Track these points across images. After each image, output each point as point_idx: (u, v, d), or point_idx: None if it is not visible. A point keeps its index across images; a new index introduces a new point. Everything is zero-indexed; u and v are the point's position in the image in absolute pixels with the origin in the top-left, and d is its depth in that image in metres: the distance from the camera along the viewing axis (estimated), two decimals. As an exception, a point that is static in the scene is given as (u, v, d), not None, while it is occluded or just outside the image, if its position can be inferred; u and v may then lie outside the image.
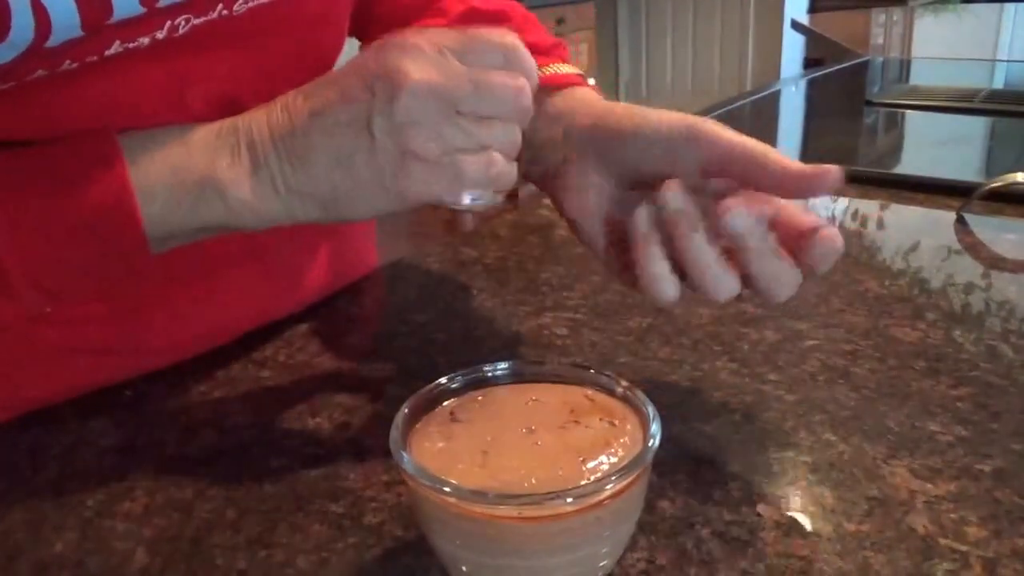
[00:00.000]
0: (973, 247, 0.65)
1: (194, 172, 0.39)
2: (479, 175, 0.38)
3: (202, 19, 0.41)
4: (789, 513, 0.36)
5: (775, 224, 0.37)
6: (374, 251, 0.68)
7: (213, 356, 0.52)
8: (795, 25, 2.78)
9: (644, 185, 0.41)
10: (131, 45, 0.39)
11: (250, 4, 0.42)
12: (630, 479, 0.29)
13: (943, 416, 0.42)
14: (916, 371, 0.46)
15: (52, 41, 0.36)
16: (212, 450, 0.43)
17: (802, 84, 1.49)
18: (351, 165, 0.37)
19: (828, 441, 0.40)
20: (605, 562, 0.31)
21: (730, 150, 0.39)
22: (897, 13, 2.23)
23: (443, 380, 0.34)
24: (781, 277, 0.37)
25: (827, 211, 0.75)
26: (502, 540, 0.29)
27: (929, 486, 0.37)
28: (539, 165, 0.48)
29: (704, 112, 1.13)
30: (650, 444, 0.30)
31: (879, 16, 2.14)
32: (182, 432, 0.44)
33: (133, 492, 0.40)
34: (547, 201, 0.80)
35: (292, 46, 0.48)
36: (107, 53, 0.38)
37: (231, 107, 0.46)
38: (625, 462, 0.29)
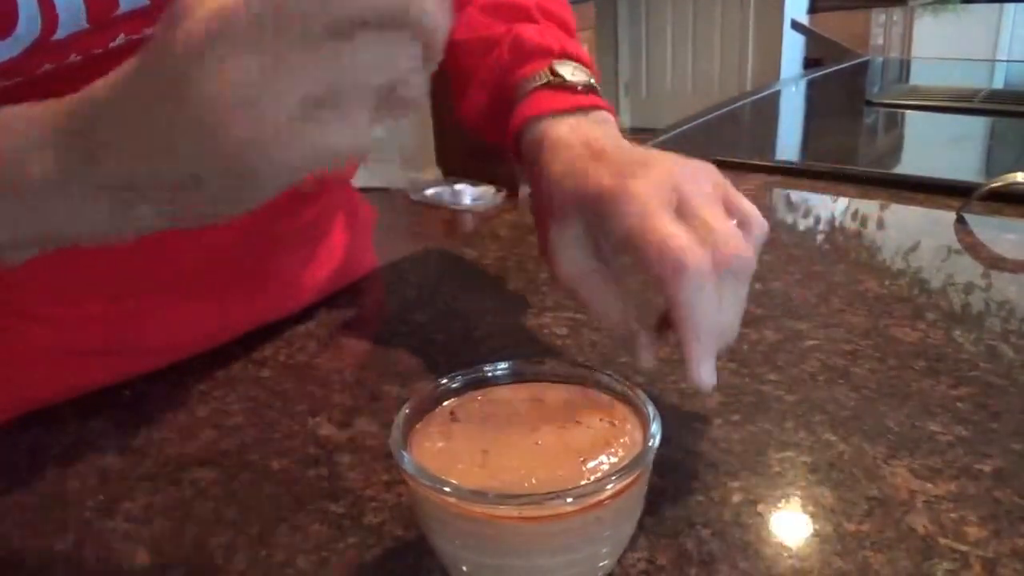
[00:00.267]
0: (973, 247, 0.65)
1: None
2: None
3: None
4: (789, 513, 0.36)
5: None
6: (372, 251, 0.68)
7: (213, 356, 0.52)
8: (795, 25, 2.78)
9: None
10: (136, 37, 0.39)
11: None
12: (630, 479, 0.29)
13: (943, 416, 0.42)
14: (916, 371, 0.46)
15: (59, 35, 0.36)
16: (212, 450, 0.43)
17: (802, 84, 1.49)
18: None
19: (828, 441, 0.40)
20: (605, 562, 0.31)
21: (623, 241, 0.37)
22: (897, 13, 2.23)
23: (443, 380, 0.34)
24: None
25: (827, 210, 0.75)
26: (502, 540, 0.29)
27: (929, 486, 0.37)
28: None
29: (704, 112, 1.13)
30: (650, 444, 0.30)
31: (879, 16, 2.14)
32: (182, 432, 0.44)
33: (133, 492, 0.40)
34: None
35: None
36: (112, 46, 0.39)
37: None
38: (625, 462, 0.29)
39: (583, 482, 0.28)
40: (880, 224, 0.72)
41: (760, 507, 0.36)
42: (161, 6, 0.38)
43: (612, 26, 4.97)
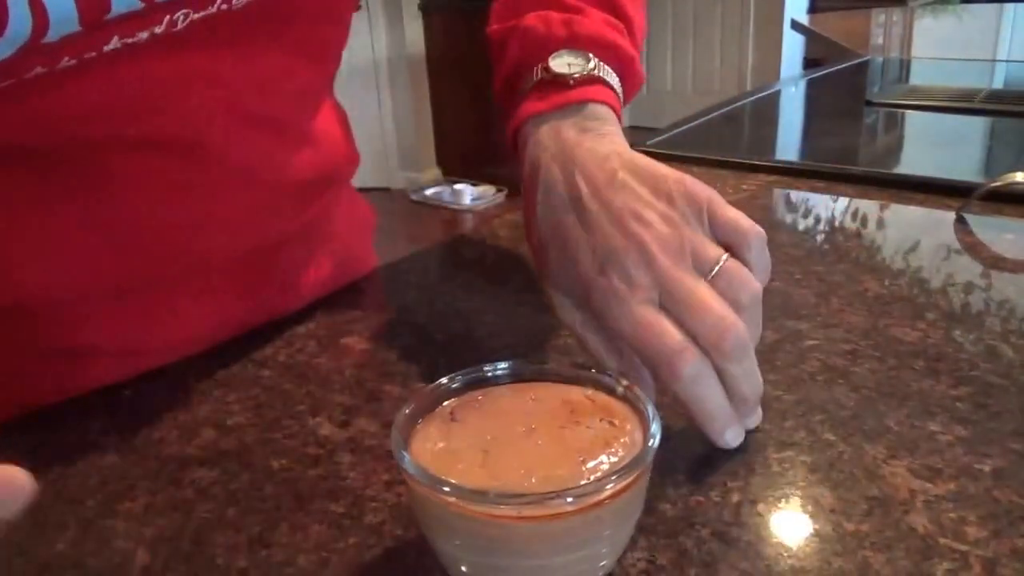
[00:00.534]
0: (973, 247, 0.65)
1: None
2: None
3: (201, 14, 0.41)
4: (789, 513, 0.36)
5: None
6: (372, 251, 0.68)
7: (213, 355, 0.52)
8: (795, 25, 2.78)
9: None
10: (130, 41, 0.39)
11: None
12: (630, 479, 0.29)
13: (943, 416, 0.42)
14: (916, 371, 0.46)
15: (50, 36, 0.35)
16: (212, 450, 0.43)
17: (802, 84, 1.49)
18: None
19: (828, 441, 0.40)
20: (605, 562, 0.31)
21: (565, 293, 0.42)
22: (897, 13, 2.23)
23: (443, 380, 0.34)
24: None
25: (827, 210, 0.75)
26: (502, 540, 0.29)
27: (929, 486, 0.37)
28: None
29: (704, 112, 1.14)
30: (650, 444, 0.30)
31: (879, 16, 2.14)
32: (182, 431, 0.44)
33: (133, 492, 0.40)
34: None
35: (293, 41, 0.48)
36: (106, 49, 0.38)
37: (233, 106, 0.46)
38: (625, 462, 0.29)
39: (583, 482, 0.28)
40: (880, 224, 0.72)
41: (760, 507, 0.36)
42: (155, 9, 0.38)
43: (612, 26, 4.95)
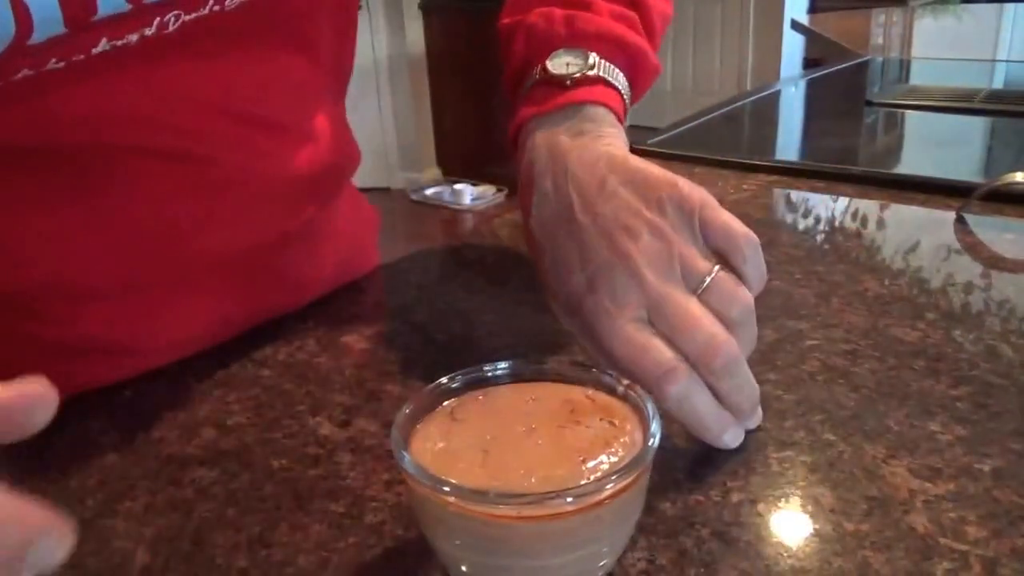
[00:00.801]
0: (973, 247, 0.65)
1: None
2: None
3: (193, 15, 0.40)
4: (789, 513, 0.36)
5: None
6: (376, 250, 0.68)
7: (213, 355, 0.52)
8: (795, 25, 2.78)
9: None
10: (119, 43, 0.38)
11: None
12: (630, 479, 0.29)
13: (943, 416, 0.42)
14: (916, 371, 0.46)
15: (35, 38, 0.35)
16: (212, 449, 0.43)
17: (802, 84, 1.49)
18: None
19: (828, 441, 0.40)
20: (605, 562, 0.31)
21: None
22: (897, 13, 2.23)
23: (443, 380, 0.34)
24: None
25: (827, 210, 0.75)
26: (502, 540, 0.29)
27: (929, 485, 0.37)
28: None
29: (704, 112, 1.13)
30: (650, 444, 0.30)
31: (879, 16, 2.14)
32: (182, 431, 0.45)
33: (133, 491, 0.40)
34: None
35: (288, 39, 0.48)
36: (95, 51, 0.38)
37: (229, 107, 0.46)
38: (625, 462, 0.29)
39: (583, 482, 0.28)
40: (880, 224, 0.72)
41: (760, 507, 0.36)
42: (144, 11, 0.38)
43: (612, 26, 4.96)
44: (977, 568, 0.32)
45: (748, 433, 0.41)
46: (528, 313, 0.56)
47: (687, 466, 0.39)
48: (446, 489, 0.28)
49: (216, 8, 0.41)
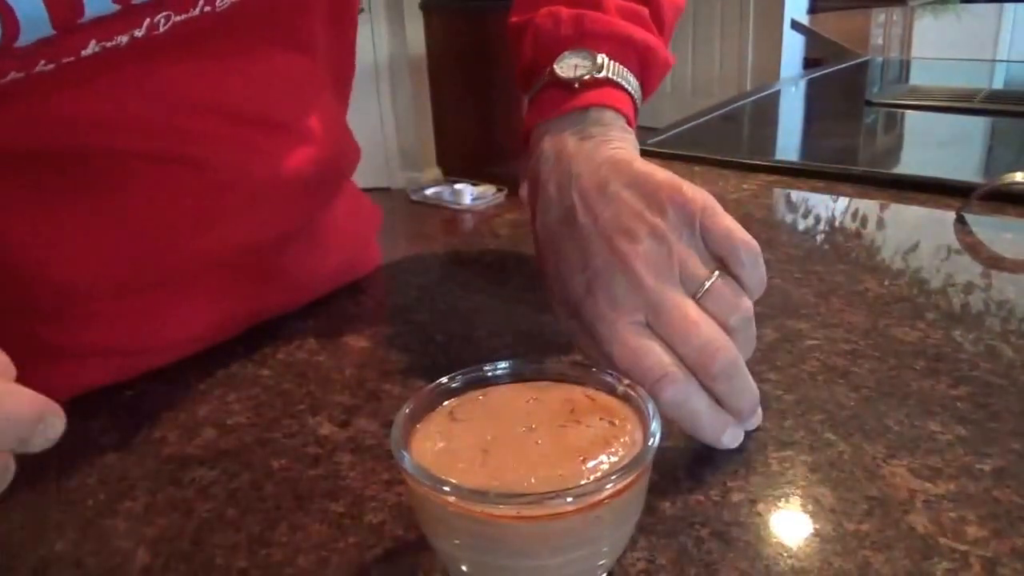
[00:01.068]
0: (973, 247, 0.65)
1: None
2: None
3: (183, 16, 0.40)
4: (789, 513, 0.36)
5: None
6: (377, 249, 0.68)
7: (213, 354, 0.52)
8: (795, 25, 2.78)
9: None
10: (109, 45, 0.38)
11: None
12: (630, 479, 0.29)
13: (943, 416, 0.42)
14: (916, 371, 0.46)
15: (22, 40, 0.35)
16: (212, 449, 0.43)
17: (802, 84, 1.49)
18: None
19: (828, 441, 0.40)
20: (605, 561, 0.31)
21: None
22: (897, 13, 2.23)
23: (443, 380, 0.34)
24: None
25: (827, 210, 0.75)
26: (502, 540, 0.29)
27: (929, 485, 0.37)
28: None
29: (704, 112, 1.14)
30: (650, 443, 0.30)
31: (879, 16, 2.14)
32: (182, 431, 0.45)
33: (133, 491, 0.40)
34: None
35: (281, 36, 0.47)
36: (84, 53, 0.38)
37: (224, 107, 0.46)
38: (625, 461, 0.29)
39: (583, 481, 0.28)
40: (880, 224, 0.72)
41: (760, 507, 0.36)
42: (132, 12, 0.38)
43: (612, 26, 4.96)
44: (977, 568, 0.32)
45: (748, 433, 0.41)
46: (528, 313, 0.56)
47: (687, 466, 0.39)
48: (446, 489, 0.28)
49: (207, 9, 0.41)
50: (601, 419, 0.32)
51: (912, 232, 0.69)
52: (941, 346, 0.49)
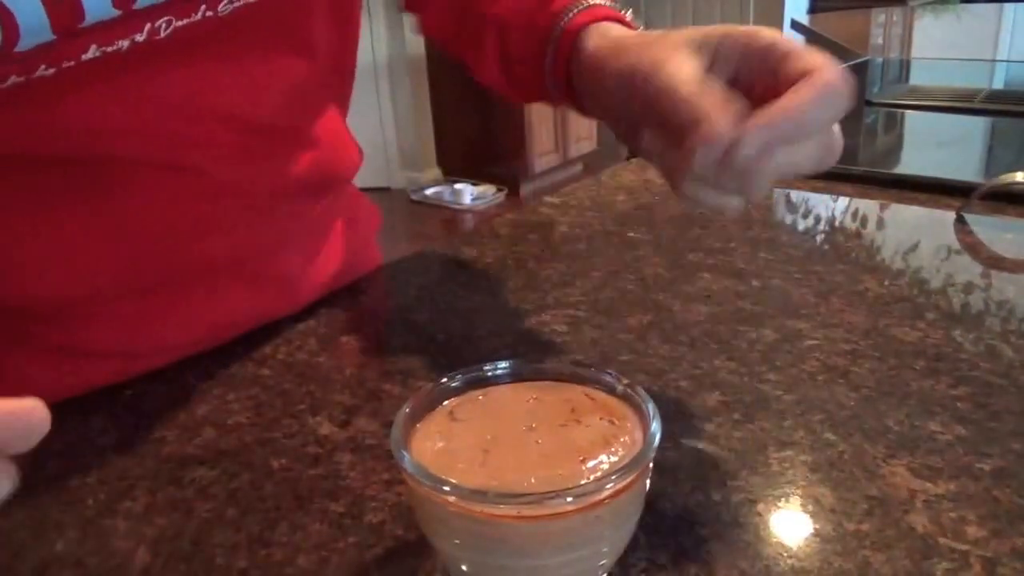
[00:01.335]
0: (973, 247, 0.65)
1: None
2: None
3: (185, 21, 0.40)
4: (789, 513, 0.36)
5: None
6: (376, 250, 0.68)
7: (213, 354, 0.52)
8: (795, 25, 2.78)
9: None
10: (110, 49, 0.38)
11: (236, 4, 0.41)
12: (630, 478, 0.29)
13: (943, 416, 0.42)
14: (916, 371, 0.46)
15: (22, 45, 0.35)
16: (212, 449, 0.43)
17: (802, 84, 1.49)
18: None
19: (828, 441, 0.40)
20: (605, 561, 0.31)
21: (672, 109, 0.37)
22: (897, 13, 2.23)
23: (443, 380, 0.34)
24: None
25: (827, 210, 0.75)
26: (502, 539, 0.29)
27: (929, 485, 0.37)
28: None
29: (704, 112, 1.13)
30: (650, 443, 0.30)
31: (879, 16, 2.14)
32: (182, 431, 0.45)
33: (134, 491, 0.40)
34: (547, 199, 0.80)
35: (282, 41, 0.47)
36: (85, 58, 0.38)
37: (225, 112, 0.46)
38: (625, 461, 0.29)
39: (583, 481, 0.28)
40: (880, 224, 0.72)
41: (760, 507, 0.36)
42: (133, 17, 0.38)
43: (612, 26, 4.96)
44: (977, 568, 0.32)
45: (748, 433, 0.41)
46: (528, 313, 0.56)
47: (687, 466, 0.39)
48: (446, 489, 0.28)
49: (209, 14, 0.41)
50: (601, 419, 0.32)
51: (912, 232, 0.69)
52: (941, 346, 0.49)
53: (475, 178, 3.92)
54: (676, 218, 0.73)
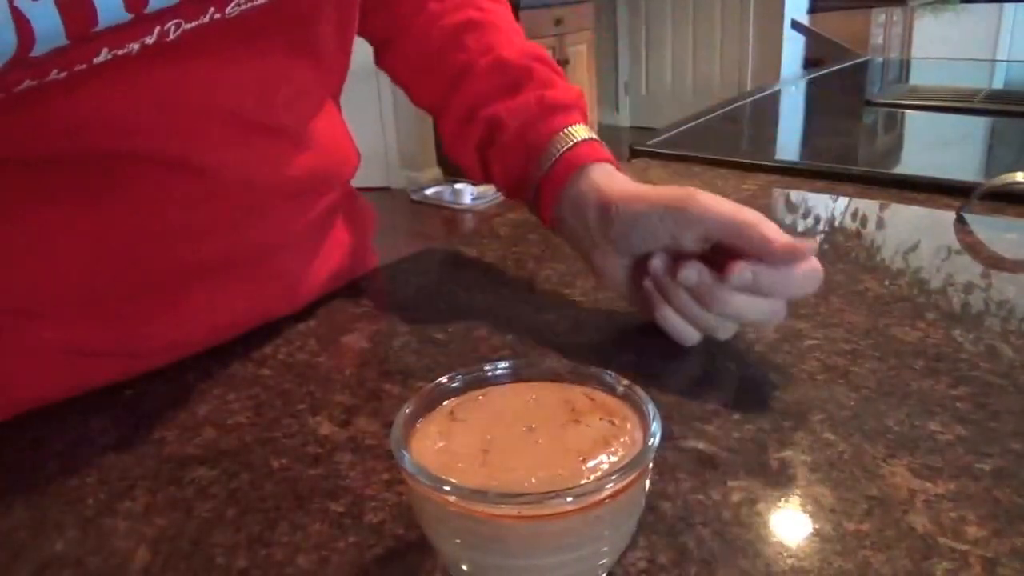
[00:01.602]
0: (973, 247, 0.65)
1: None
2: None
3: (193, 23, 0.40)
4: (789, 513, 0.36)
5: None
6: (373, 251, 0.68)
7: (213, 355, 0.52)
8: (795, 25, 2.78)
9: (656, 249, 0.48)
10: (120, 52, 0.38)
11: (243, 6, 0.42)
12: (630, 478, 0.29)
13: (943, 415, 0.42)
14: (916, 371, 0.46)
15: (37, 50, 0.35)
16: (212, 448, 0.43)
17: (802, 84, 1.49)
18: None
19: (828, 441, 0.40)
20: (605, 561, 0.31)
21: (718, 224, 0.45)
22: (897, 13, 2.23)
23: (443, 380, 0.34)
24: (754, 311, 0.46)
25: (827, 210, 0.75)
26: (502, 540, 0.29)
27: (929, 485, 0.37)
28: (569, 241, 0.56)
29: (704, 112, 1.14)
30: (650, 443, 0.30)
31: (879, 16, 2.14)
32: (182, 430, 0.45)
33: (133, 491, 0.40)
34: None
35: (289, 44, 0.48)
36: (96, 61, 0.38)
37: (230, 113, 0.46)
38: (625, 461, 0.29)
39: (583, 481, 0.28)
40: (880, 224, 0.72)
41: (760, 507, 0.36)
42: (144, 20, 0.38)
43: (612, 26, 4.96)
44: (977, 568, 0.32)
45: (748, 433, 0.41)
46: (528, 313, 0.56)
47: (687, 466, 0.39)
48: (446, 489, 0.28)
49: (217, 16, 0.41)
50: (601, 419, 0.32)
51: (912, 232, 0.69)
52: (941, 346, 0.49)
53: (475, 178, 3.92)
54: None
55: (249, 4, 0.42)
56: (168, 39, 0.40)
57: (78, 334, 0.48)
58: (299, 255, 0.57)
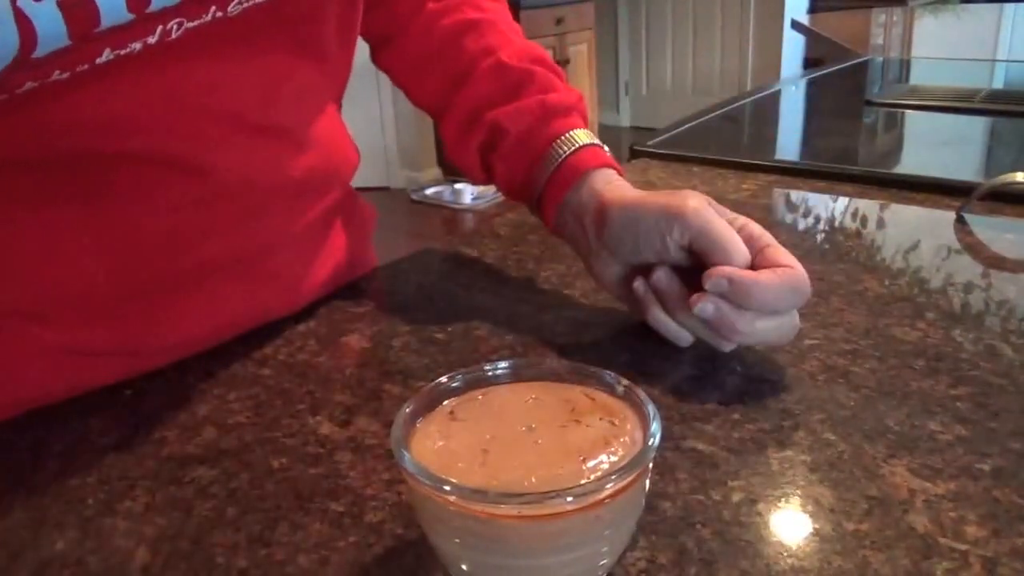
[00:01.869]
0: (973, 247, 0.65)
1: None
2: None
3: (195, 22, 0.40)
4: (788, 513, 0.36)
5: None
6: (372, 251, 0.68)
7: (213, 354, 0.52)
8: (795, 25, 2.78)
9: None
10: (123, 52, 0.38)
11: (245, 5, 0.42)
12: (630, 478, 0.29)
13: (943, 415, 0.42)
14: (916, 371, 0.46)
15: (39, 52, 0.35)
16: (212, 448, 0.43)
17: (802, 84, 1.49)
18: None
19: (827, 441, 0.40)
20: (605, 561, 0.31)
21: (700, 235, 0.46)
22: (897, 13, 2.23)
23: (443, 380, 0.34)
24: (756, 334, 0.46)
25: (827, 210, 0.75)
26: (502, 539, 0.29)
27: (928, 485, 0.37)
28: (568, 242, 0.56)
29: (704, 112, 1.14)
30: (650, 443, 0.30)
31: (879, 16, 2.14)
32: (182, 430, 0.45)
33: (134, 490, 0.40)
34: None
35: (291, 43, 0.48)
36: (98, 61, 0.38)
37: (232, 113, 0.46)
38: (625, 461, 0.29)
39: (583, 481, 0.28)
40: (880, 224, 0.72)
41: (760, 507, 0.36)
42: (146, 20, 0.38)
43: (612, 25, 4.97)
44: (977, 568, 0.32)
45: (748, 433, 0.41)
46: (528, 313, 0.56)
47: (687, 466, 0.39)
48: (446, 488, 0.28)
49: (219, 15, 0.41)
50: (601, 419, 0.32)
51: (912, 232, 0.69)
52: (941, 346, 0.49)
53: (475, 178, 3.92)
54: (676, 218, 0.73)
55: (251, 2, 0.42)
56: (170, 38, 0.40)
57: (78, 334, 0.48)
58: (299, 255, 0.57)
